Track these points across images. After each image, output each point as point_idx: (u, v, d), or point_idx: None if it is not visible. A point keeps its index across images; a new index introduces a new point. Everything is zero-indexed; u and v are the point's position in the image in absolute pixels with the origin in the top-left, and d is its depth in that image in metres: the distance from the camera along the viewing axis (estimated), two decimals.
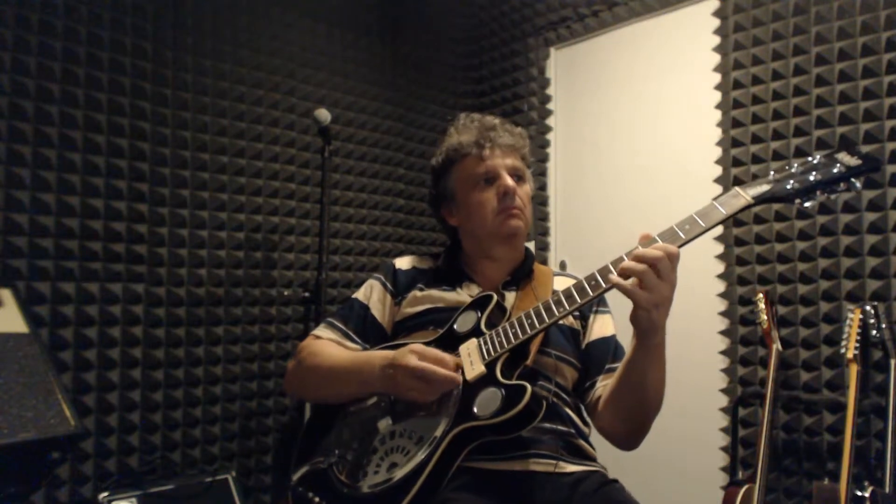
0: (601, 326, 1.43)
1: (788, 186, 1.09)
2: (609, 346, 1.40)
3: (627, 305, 1.12)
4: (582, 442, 1.33)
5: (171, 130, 2.45)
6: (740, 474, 2.26)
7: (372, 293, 1.49)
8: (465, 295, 1.41)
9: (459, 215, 1.48)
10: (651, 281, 1.08)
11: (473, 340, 1.25)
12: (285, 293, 2.72)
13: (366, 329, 1.45)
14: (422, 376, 1.18)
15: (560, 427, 1.29)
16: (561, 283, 1.40)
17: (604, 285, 1.13)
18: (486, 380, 1.18)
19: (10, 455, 1.68)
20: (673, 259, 1.10)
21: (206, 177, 2.53)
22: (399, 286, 1.48)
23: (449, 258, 1.52)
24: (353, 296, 1.53)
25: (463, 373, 1.20)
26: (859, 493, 1.80)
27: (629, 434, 1.29)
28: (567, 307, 1.17)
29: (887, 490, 1.81)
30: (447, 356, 1.22)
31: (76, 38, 2.25)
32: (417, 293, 1.44)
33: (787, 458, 2.23)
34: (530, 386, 1.12)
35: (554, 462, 1.24)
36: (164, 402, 2.39)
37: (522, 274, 1.46)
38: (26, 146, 2.13)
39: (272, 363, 2.67)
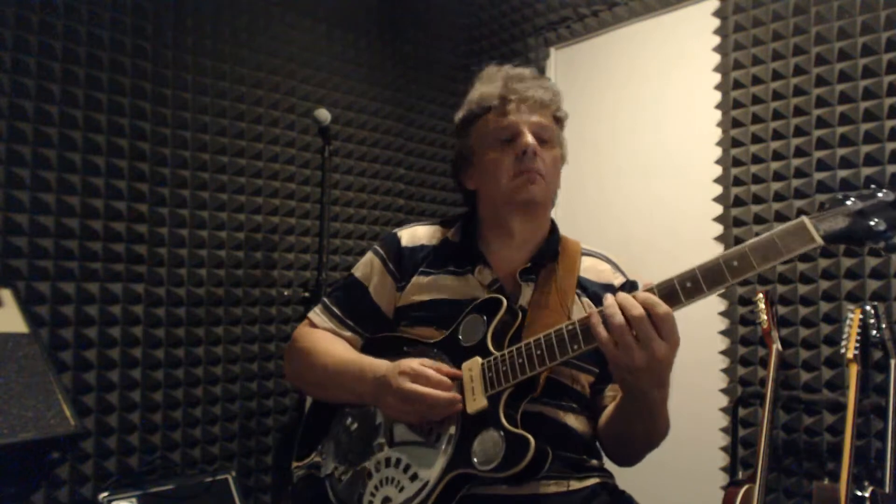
0: None
1: (872, 223, 0.90)
2: None
3: None
4: (594, 461, 1.27)
5: (171, 130, 2.45)
6: (740, 474, 2.26)
7: (372, 273, 1.35)
8: (475, 283, 1.27)
9: (476, 178, 1.31)
10: (626, 342, 0.96)
11: (478, 361, 1.14)
12: (285, 293, 2.72)
13: (364, 314, 1.34)
14: (415, 400, 1.10)
15: (571, 454, 1.22)
16: (588, 266, 1.31)
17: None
18: (488, 416, 1.09)
19: (9, 455, 1.69)
20: (659, 321, 0.96)
21: (206, 177, 2.53)
22: (403, 268, 1.32)
23: (464, 230, 1.35)
24: (352, 271, 1.39)
25: (464, 399, 1.12)
26: (859, 494, 1.80)
27: (620, 460, 1.27)
28: (583, 345, 1.04)
29: (887, 490, 1.80)
30: (445, 379, 1.12)
31: (76, 38, 2.25)
32: (422, 279, 1.29)
33: (787, 458, 2.23)
34: (534, 441, 1.02)
35: (566, 482, 1.18)
36: (164, 402, 2.39)
37: (546, 257, 1.29)
38: (26, 146, 2.13)
39: (272, 363, 2.67)
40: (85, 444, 2.19)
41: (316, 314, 1.38)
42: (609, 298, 1.00)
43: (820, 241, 0.91)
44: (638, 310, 0.96)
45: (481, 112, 1.28)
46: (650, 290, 1.00)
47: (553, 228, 1.34)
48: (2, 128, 2.09)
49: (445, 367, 1.15)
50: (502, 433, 1.06)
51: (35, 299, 2.13)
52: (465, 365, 1.15)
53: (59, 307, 2.18)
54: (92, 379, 2.23)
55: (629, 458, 1.25)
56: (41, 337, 2.02)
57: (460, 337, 1.20)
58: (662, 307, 0.96)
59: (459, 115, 1.34)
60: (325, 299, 1.40)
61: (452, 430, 1.11)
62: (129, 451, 2.30)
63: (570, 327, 1.06)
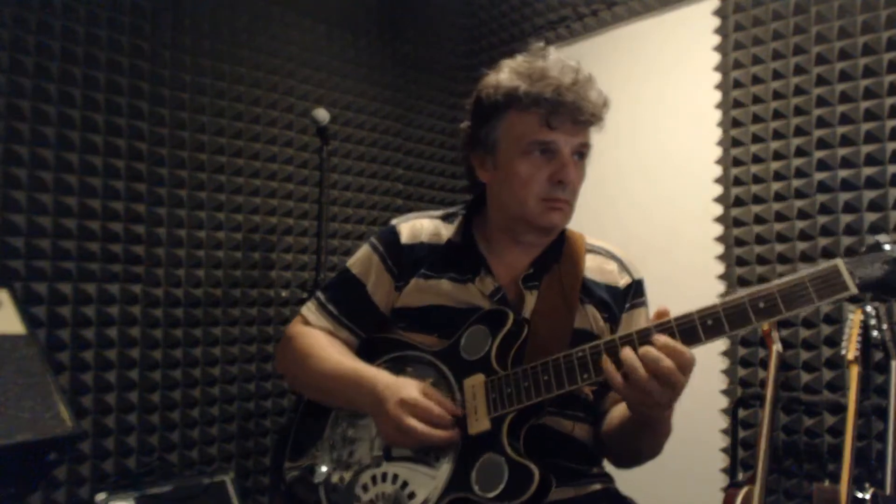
0: (627, 327, 1.25)
1: None
2: None
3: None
4: (596, 468, 1.26)
5: (168, 130, 2.45)
6: (740, 476, 2.25)
7: (370, 270, 1.28)
8: (475, 292, 1.21)
9: (495, 175, 1.22)
10: (647, 389, 0.94)
11: (480, 378, 1.10)
12: (283, 294, 2.71)
13: (361, 314, 1.29)
14: (411, 436, 1.06)
15: (574, 465, 1.21)
16: (593, 266, 1.26)
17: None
18: (491, 440, 1.05)
19: (7, 456, 1.68)
20: (683, 364, 0.94)
21: (203, 177, 2.53)
22: (402, 266, 1.26)
23: (466, 229, 1.28)
24: (348, 265, 1.32)
25: (465, 420, 1.08)
26: (860, 495, 1.79)
27: (622, 465, 1.25)
28: (593, 375, 1.01)
29: (888, 492, 1.80)
30: (446, 416, 1.07)
31: (74, 37, 2.24)
32: (421, 281, 1.24)
33: (788, 460, 2.22)
34: (538, 472, 0.99)
35: (571, 489, 1.17)
36: (162, 403, 2.38)
37: (550, 260, 1.24)
38: (23, 146, 2.13)
39: (270, 364, 2.66)
40: (82, 446, 2.18)
41: (311, 311, 1.32)
42: (629, 355, 0.95)
43: (854, 289, 0.86)
44: (665, 362, 0.93)
45: (520, 108, 1.15)
46: (668, 323, 0.97)
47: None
48: None
49: (448, 404, 1.10)
50: (505, 460, 1.02)
51: (32, 300, 2.12)
52: (468, 382, 1.12)
53: (57, 308, 2.17)
54: (89, 380, 2.23)
55: (632, 464, 1.23)
56: (38, 338, 2.01)
57: (462, 348, 1.15)
58: (685, 355, 0.93)
59: (490, 96, 1.18)
60: (321, 295, 1.33)
61: (452, 451, 1.08)
62: (126, 453, 2.29)
63: (581, 354, 1.03)
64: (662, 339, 0.95)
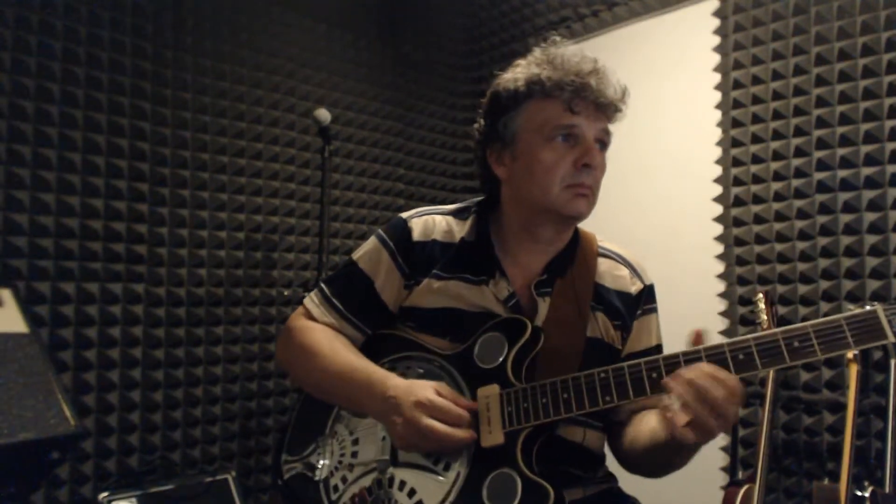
0: (638, 333, 1.24)
1: None
2: None
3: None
4: (602, 471, 1.26)
5: (170, 130, 2.45)
6: (740, 474, 2.26)
7: (379, 267, 1.23)
8: (490, 296, 1.18)
9: (514, 167, 1.18)
10: (702, 420, 0.89)
11: (496, 389, 1.07)
12: (285, 293, 2.72)
13: (368, 311, 1.24)
14: (429, 437, 1.03)
15: (583, 473, 1.21)
16: (605, 270, 1.24)
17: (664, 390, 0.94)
18: (504, 454, 1.02)
19: (9, 455, 1.68)
20: (734, 395, 0.89)
21: (205, 177, 2.53)
22: (413, 264, 1.21)
23: (479, 228, 1.24)
24: (356, 258, 1.26)
25: (478, 430, 1.05)
26: (859, 494, 1.80)
27: (645, 475, 1.21)
28: (616, 399, 0.99)
29: (887, 490, 1.80)
30: (464, 415, 1.05)
31: (76, 38, 2.25)
32: (434, 282, 1.19)
33: (787, 458, 2.22)
34: (553, 492, 0.97)
35: (578, 491, 1.17)
36: (164, 402, 2.38)
37: (564, 262, 1.21)
38: (26, 146, 2.13)
39: (272, 363, 2.67)
40: (85, 444, 2.19)
41: (315, 305, 1.26)
42: (678, 388, 0.91)
43: (892, 337, 0.85)
44: (718, 391, 0.89)
45: (538, 96, 1.14)
46: (696, 353, 0.95)
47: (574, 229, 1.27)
48: (2, 128, 2.09)
49: (463, 400, 1.08)
50: (519, 478, 1.00)
51: (35, 299, 2.13)
52: (482, 392, 1.08)
53: (59, 307, 2.18)
54: (92, 379, 2.23)
55: (658, 476, 1.19)
56: (41, 337, 2.01)
57: (476, 355, 1.12)
58: (733, 380, 0.90)
59: (508, 88, 1.16)
60: (325, 288, 1.27)
61: (463, 461, 1.06)
62: (129, 451, 2.29)
63: (603, 375, 1.01)
64: (708, 367, 0.91)
